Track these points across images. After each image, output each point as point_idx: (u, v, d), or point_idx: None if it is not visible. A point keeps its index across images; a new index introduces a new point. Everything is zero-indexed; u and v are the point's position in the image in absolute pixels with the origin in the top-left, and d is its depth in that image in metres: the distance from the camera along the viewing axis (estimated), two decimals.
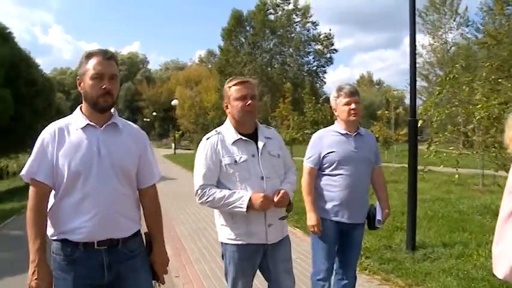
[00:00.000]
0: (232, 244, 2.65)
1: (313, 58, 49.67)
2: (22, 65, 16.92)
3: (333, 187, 3.21)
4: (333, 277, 3.37)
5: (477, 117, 5.90)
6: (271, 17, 48.16)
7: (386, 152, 18.20)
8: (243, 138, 2.66)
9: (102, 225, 2.09)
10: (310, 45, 49.10)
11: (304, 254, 5.39)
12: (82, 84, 2.18)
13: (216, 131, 2.75)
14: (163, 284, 2.39)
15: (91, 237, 2.08)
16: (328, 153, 3.21)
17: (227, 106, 2.74)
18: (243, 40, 48.63)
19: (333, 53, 49.44)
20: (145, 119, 68.50)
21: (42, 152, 2.12)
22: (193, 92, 59.44)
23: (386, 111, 16.74)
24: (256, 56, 48.10)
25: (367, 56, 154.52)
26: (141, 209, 2.36)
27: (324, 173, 3.26)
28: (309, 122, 16.89)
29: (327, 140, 3.25)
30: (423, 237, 5.97)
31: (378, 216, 3.32)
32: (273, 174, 2.68)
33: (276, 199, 2.57)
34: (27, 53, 18.94)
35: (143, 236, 2.34)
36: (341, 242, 3.32)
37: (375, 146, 3.49)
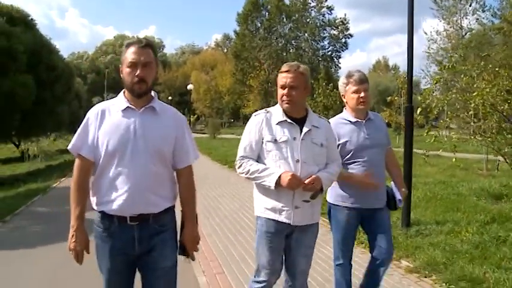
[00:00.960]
0: (261, 217, 2.79)
1: (328, 43, 49.65)
2: (43, 51, 17.49)
3: None
4: (368, 259, 3.38)
5: (472, 105, 6.18)
6: (287, 1, 48.04)
7: (398, 137, 18.42)
8: (288, 120, 2.75)
9: (133, 200, 2.25)
10: (325, 30, 48.97)
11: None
12: (122, 71, 2.36)
13: (266, 110, 2.86)
14: (193, 260, 2.53)
15: (123, 211, 2.26)
16: (342, 143, 3.19)
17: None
18: (259, 25, 48.67)
19: (348, 38, 49.41)
20: None
21: (86, 130, 2.32)
22: (208, 76, 59.73)
23: (396, 97, 16.87)
24: (272, 41, 48.21)
25: (384, 40, 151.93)
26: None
27: None
28: (320, 107, 17.08)
29: (340, 130, 3.21)
30: (419, 216, 6.34)
31: (398, 196, 3.34)
32: (311, 160, 2.72)
33: (306, 181, 2.64)
34: (48, 40, 19.52)
35: (180, 213, 2.48)
36: (369, 227, 3.34)
37: (385, 127, 3.52)
